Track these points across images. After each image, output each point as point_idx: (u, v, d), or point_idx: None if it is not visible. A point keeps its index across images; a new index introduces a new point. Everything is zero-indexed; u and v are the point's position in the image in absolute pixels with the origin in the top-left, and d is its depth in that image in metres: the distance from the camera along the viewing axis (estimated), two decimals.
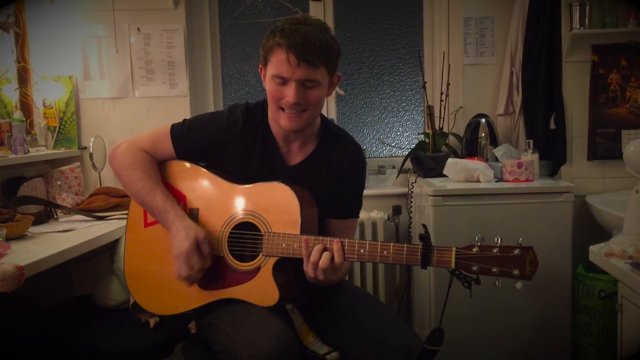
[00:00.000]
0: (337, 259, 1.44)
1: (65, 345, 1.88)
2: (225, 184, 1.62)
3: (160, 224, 1.63)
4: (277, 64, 1.50)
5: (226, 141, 1.65)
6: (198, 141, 1.67)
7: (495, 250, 1.34)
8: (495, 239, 1.36)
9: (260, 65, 1.60)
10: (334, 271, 1.47)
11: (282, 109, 1.55)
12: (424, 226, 1.44)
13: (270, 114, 1.63)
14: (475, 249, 1.36)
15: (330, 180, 1.66)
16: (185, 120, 1.71)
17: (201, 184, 1.65)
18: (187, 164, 1.68)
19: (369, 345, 1.53)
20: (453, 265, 1.36)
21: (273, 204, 1.55)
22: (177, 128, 1.69)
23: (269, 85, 1.55)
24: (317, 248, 1.45)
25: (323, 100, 1.58)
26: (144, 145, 1.68)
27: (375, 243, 1.45)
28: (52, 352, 1.87)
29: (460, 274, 1.37)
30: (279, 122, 1.58)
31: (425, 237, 1.39)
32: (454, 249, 1.37)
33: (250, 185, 1.59)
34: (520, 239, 1.36)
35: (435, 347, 1.36)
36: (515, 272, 1.33)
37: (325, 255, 1.44)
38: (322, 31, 1.51)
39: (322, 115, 1.73)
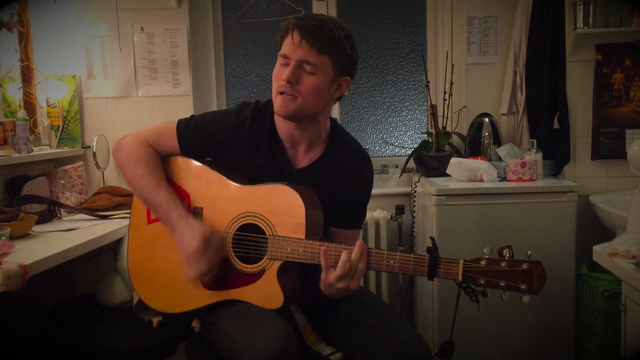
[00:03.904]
0: (361, 264, 1.43)
1: (69, 344, 1.88)
2: (231, 184, 1.61)
3: (163, 222, 1.62)
4: (285, 44, 1.53)
5: (233, 140, 1.63)
6: (204, 139, 1.65)
7: (503, 264, 1.34)
8: (504, 251, 1.35)
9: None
10: (358, 278, 1.45)
11: (280, 94, 1.54)
12: (432, 239, 1.43)
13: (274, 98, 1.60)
14: (483, 262, 1.35)
15: (336, 186, 1.64)
16: (193, 116, 1.70)
17: (206, 183, 1.63)
18: (193, 161, 1.66)
19: (373, 345, 1.52)
20: (460, 278, 1.36)
21: (278, 207, 1.53)
22: (184, 124, 1.67)
23: (275, 67, 1.57)
24: (342, 259, 1.43)
25: (319, 92, 1.54)
26: (149, 138, 1.67)
27: (381, 252, 1.44)
28: (55, 351, 1.88)
29: (467, 286, 1.36)
30: (274, 106, 1.58)
31: (432, 250, 1.38)
32: (461, 261, 1.36)
33: (256, 186, 1.58)
34: (529, 252, 1.35)
35: (445, 359, 1.36)
36: (523, 286, 1.32)
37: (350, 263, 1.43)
38: (338, 28, 1.52)
39: (333, 120, 1.71)
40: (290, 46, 1.51)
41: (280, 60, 1.55)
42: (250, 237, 1.57)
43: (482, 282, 1.34)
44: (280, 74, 1.53)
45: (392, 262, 1.42)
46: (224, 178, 1.62)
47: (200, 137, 1.65)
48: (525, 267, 1.32)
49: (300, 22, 1.50)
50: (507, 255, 1.35)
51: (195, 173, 1.66)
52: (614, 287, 2.44)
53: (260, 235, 1.55)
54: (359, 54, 1.62)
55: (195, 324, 1.73)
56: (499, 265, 1.34)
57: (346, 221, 1.67)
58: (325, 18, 1.53)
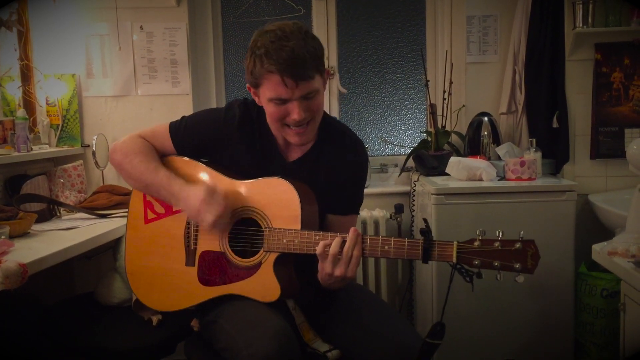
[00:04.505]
0: (356, 251, 1.44)
1: (68, 343, 1.88)
2: (225, 179, 1.62)
3: (168, 200, 1.62)
4: (273, 88, 1.48)
5: (223, 137, 1.64)
6: (195, 138, 1.67)
7: (496, 244, 1.35)
8: (497, 232, 1.36)
9: (248, 85, 1.58)
10: (354, 265, 1.46)
11: (288, 126, 1.54)
12: (425, 220, 1.44)
13: (274, 131, 1.60)
14: (476, 243, 1.36)
15: (330, 176, 1.65)
16: (183, 117, 1.72)
17: (201, 180, 1.64)
18: (187, 159, 1.68)
19: (370, 342, 1.53)
20: (454, 260, 1.37)
21: (273, 200, 1.55)
22: (175, 125, 1.70)
23: (267, 107, 1.53)
24: (336, 241, 1.45)
25: (323, 102, 1.57)
26: (143, 134, 1.70)
27: (376, 237, 1.45)
28: (55, 350, 1.88)
29: (461, 268, 1.37)
30: (287, 138, 1.58)
31: (426, 232, 1.40)
32: (455, 243, 1.37)
33: (250, 181, 1.59)
34: (522, 232, 1.36)
35: (436, 341, 1.36)
36: (517, 265, 1.33)
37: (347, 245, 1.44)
38: (304, 39, 1.47)
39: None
40: (285, 90, 1.47)
41: (274, 102, 1.50)
42: (247, 231, 1.58)
43: (476, 262, 1.35)
44: (281, 113, 1.51)
45: (386, 247, 1.43)
46: (219, 174, 1.63)
47: (192, 136, 1.67)
48: (518, 246, 1.33)
49: (281, 66, 1.43)
50: (500, 236, 1.35)
51: (189, 171, 1.66)
52: (613, 286, 2.45)
53: (256, 229, 1.56)
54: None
55: (194, 323, 1.73)
56: (492, 245, 1.35)
57: (343, 208, 1.69)
58: (293, 44, 1.43)
